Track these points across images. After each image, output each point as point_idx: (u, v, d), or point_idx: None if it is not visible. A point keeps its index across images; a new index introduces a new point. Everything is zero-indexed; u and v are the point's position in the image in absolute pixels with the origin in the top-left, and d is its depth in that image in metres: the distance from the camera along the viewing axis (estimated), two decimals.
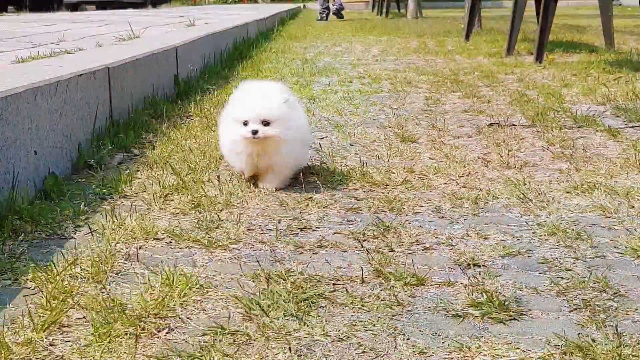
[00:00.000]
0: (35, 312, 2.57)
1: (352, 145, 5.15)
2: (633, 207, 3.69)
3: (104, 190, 4.08)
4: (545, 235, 3.36)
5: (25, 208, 3.59)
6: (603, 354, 2.27)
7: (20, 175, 3.70)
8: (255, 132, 3.78)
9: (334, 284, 2.86)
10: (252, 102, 3.83)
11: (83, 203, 3.78)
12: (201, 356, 2.28)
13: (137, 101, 6.03)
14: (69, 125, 4.45)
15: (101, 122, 5.07)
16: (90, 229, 3.40)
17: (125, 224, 3.50)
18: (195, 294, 2.75)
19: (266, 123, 3.80)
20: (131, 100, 5.85)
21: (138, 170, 4.46)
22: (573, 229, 3.39)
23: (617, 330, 2.40)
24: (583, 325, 2.50)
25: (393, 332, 2.48)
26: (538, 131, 5.47)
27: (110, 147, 4.86)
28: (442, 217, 3.67)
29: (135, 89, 5.95)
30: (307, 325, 2.50)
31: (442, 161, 4.69)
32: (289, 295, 2.70)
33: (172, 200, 3.93)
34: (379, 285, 2.85)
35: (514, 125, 5.72)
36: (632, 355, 2.25)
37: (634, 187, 3.97)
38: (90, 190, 4.09)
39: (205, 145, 5.02)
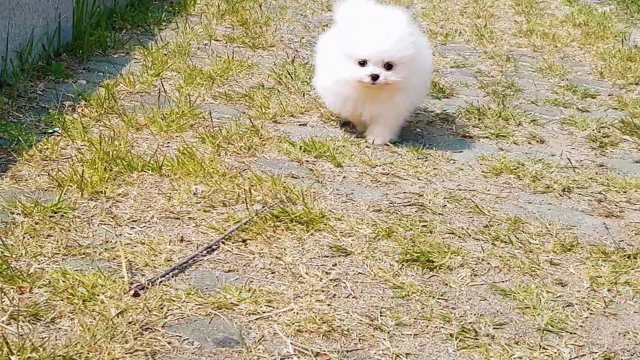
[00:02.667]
0: (145, 71, 4.08)
1: None
2: (556, 46, 5.15)
3: (175, 9, 5.55)
4: (486, 58, 4.84)
5: (123, 12, 5.09)
6: (490, 113, 3.79)
7: None
8: (375, 77, 3.06)
9: None
10: (374, 37, 3.07)
11: (163, 14, 5.26)
12: (249, 95, 3.80)
13: None
14: None
15: None
16: (177, 26, 4.90)
17: (194, 29, 4.99)
18: (245, 70, 4.26)
19: (389, 66, 3.08)
20: None
21: None
22: (506, 56, 4.87)
23: (503, 103, 3.92)
24: (488, 102, 4.00)
25: None
26: None
27: None
28: None
29: None
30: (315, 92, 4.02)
31: (430, 10, 6.12)
32: (305, 73, 4.21)
33: (225, 19, 5.39)
34: None
35: None
36: (508, 114, 3.76)
37: (563, 34, 5.42)
38: (164, 9, 5.55)
39: None
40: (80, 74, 3.97)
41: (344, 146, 3.31)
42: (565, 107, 4.01)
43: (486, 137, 3.53)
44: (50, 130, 3.18)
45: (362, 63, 3.08)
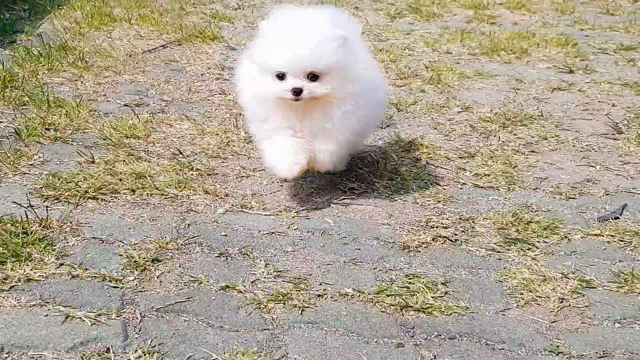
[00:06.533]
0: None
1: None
2: (380, 37, 6.76)
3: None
4: None
5: None
6: None
7: None
8: (298, 92, 2.58)
9: None
10: (291, 45, 2.59)
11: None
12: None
13: None
14: None
15: None
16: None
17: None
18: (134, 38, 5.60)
19: (314, 77, 2.59)
20: None
21: None
22: None
23: None
24: None
25: None
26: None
27: None
28: None
29: None
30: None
31: None
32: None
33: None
34: None
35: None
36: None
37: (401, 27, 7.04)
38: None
39: None
40: None
41: None
42: None
43: None
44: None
45: (281, 76, 2.60)
